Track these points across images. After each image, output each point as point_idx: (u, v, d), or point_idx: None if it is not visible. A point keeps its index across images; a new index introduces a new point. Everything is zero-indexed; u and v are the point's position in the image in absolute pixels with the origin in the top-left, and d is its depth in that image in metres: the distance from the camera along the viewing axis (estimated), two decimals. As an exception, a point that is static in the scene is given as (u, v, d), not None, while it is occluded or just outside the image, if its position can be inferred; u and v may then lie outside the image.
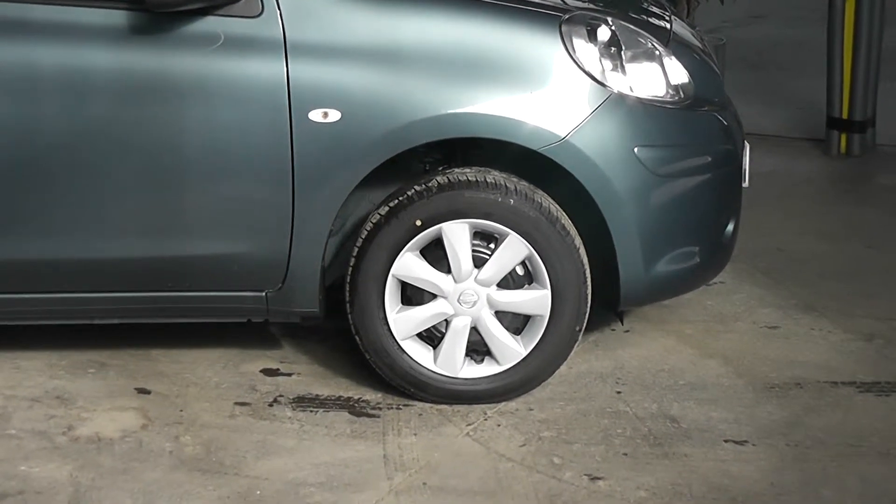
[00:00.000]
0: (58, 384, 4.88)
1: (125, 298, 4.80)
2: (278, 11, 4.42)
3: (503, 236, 4.55)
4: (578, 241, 4.59)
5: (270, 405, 4.74)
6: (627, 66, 4.65)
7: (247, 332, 5.10)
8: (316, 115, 4.44)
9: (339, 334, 4.89)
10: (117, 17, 4.49)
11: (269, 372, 4.98)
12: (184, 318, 4.93)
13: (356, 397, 4.77)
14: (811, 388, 4.79)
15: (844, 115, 7.23)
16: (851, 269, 5.74)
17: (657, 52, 4.74)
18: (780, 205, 5.95)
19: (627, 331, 5.20)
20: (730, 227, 4.97)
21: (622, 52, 4.65)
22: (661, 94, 4.71)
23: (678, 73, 4.76)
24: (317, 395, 4.81)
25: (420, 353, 4.66)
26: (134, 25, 4.47)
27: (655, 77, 4.71)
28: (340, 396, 4.79)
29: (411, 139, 4.50)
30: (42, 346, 5.07)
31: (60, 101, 4.54)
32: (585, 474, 4.24)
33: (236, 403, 4.75)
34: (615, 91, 4.57)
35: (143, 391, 4.84)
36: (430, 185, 4.54)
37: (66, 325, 4.94)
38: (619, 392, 4.78)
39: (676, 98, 4.73)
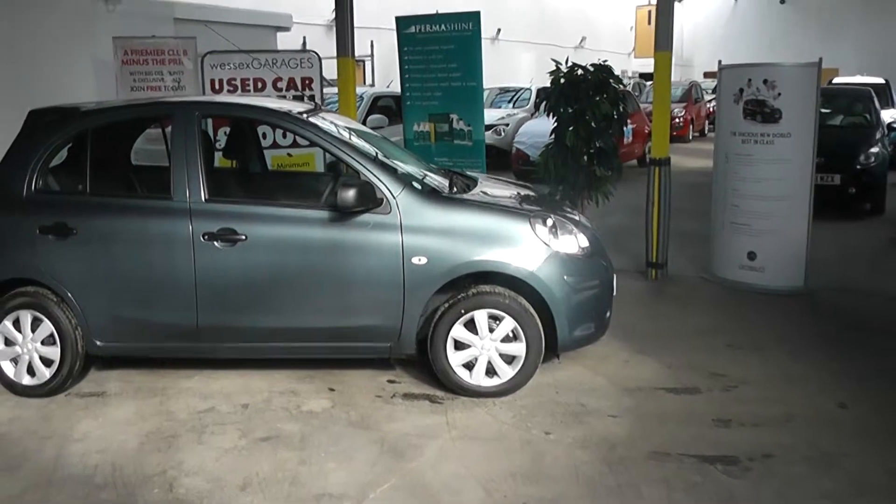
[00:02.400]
0: (292, 385, 4.86)
1: (322, 346, 4.74)
2: (398, 211, 4.49)
3: (502, 318, 4.58)
4: (538, 320, 4.59)
5: (392, 397, 4.68)
6: (560, 237, 4.69)
7: (379, 361, 4.98)
8: (415, 260, 4.49)
9: (423, 364, 4.82)
10: (323, 213, 4.57)
11: (390, 381, 4.90)
12: (350, 356, 4.88)
13: (432, 394, 4.69)
14: (645, 391, 4.74)
15: (654, 259, 7.24)
16: (658, 332, 5.67)
17: (573, 231, 4.80)
18: (627, 303, 5.85)
19: (560, 362, 5.07)
20: (608, 313, 4.93)
21: (557, 231, 4.70)
22: (576, 251, 4.73)
23: (583, 241, 4.81)
24: (413, 393, 4.72)
25: (464, 373, 4.64)
26: (331, 217, 4.54)
27: (572, 243, 4.74)
28: (425, 394, 4.71)
29: (458, 272, 4.54)
30: (284, 367, 5.01)
31: (296, 251, 4.57)
32: (543, 431, 4.25)
33: (376, 396, 4.70)
34: (554, 250, 4.62)
35: (332, 389, 4.80)
36: (468, 293, 4.59)
37: (294, 356, 4.92)
38: (556, 392, 4.71)
39: (583, 253, 4.77)
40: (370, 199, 4.45)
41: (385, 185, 4.53)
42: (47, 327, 4.70)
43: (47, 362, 4.74)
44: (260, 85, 8.09)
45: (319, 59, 8.16)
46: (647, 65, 28.44)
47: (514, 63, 23.82)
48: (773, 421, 4.31)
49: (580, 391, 4.73)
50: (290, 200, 4.92)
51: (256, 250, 4.55)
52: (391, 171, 4.69)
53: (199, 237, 4.55)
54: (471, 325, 4.59)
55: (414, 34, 7.83)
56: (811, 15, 30.16)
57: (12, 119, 4.90)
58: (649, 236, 7.22)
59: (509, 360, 4.63)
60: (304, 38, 8.71)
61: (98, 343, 4.76)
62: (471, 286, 4.61)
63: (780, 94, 6.69)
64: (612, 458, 3.93)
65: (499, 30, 24.05)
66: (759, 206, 6.86)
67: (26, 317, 4.71)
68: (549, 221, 4.70)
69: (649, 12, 32.72)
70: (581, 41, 29.16)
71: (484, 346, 4.60)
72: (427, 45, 7.76)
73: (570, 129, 7.25)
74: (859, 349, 5.39)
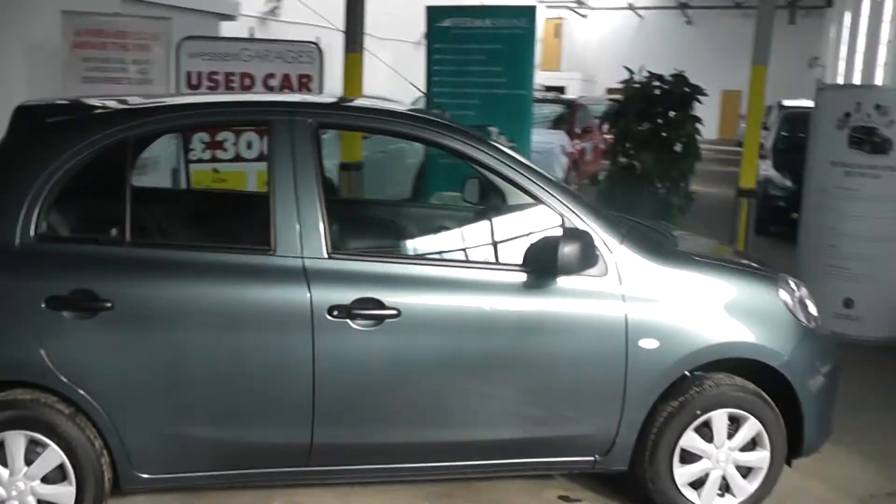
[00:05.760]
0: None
1: (494, 465, 3.44)
2: (618, 273, 3.24)
3: (745, 419, 3.43)
4: (782, 421, 3.46)
5: (574, 523, 3.47)
6: (800, 305, 3.58)
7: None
8: (643, 343, 3.26)
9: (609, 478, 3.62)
10: (517, 275, 3.23)
11: (563, 498, 3.67)
12: (533, 472, 3.58)
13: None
14: (879, 498, 3.83)
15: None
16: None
17: (804, 293, 3.70)
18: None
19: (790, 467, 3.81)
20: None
21: (799, 297, 3.59)
22: (814, 325, 3.61)
23: (813, 308, 3.70)
24: (602, 518, 3.52)
25: (691, 494, 3.46)
26: (526, 282, 3.21)
27: (810, 312, 3.64)
28: (619, 520, 3.52)
29: (702, 359, 3.36)
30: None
31: (475, 334, 3.20)
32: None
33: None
34: (805, 324, 3.51)
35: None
36: (703, 386, 3.39)
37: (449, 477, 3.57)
38: None
39: (817, 325, 3.66)
40: (591, 258, 3.15)
41: (601, 237, 3.25)
42: (54, 455, 3.02)
43: (50, 510, 3.11)
44: (248, 81, 6.50)
45: (321, 52, 6.67)
46: (553, 78, 28.00)
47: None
48: None
49: (816, 500, 3.79)
50: (450, 252, 3.49)
51: (415, 333, 3.15)
52: (605, 217, 3.41)
53: (322, 313, 3.06)
54: (702, 430, 3.43)
55: (449, 28, 6.55)
56: (716, 37, 30.73)
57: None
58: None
59: (744, 473, 3.51)
60: (252, 28, 7.16)
61: (143, 475, 3.12)
62: (703, 377, 3.44)
63: (892, 122, 5.97)
64: None
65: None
66: (860, 247, 6.18)
67: (17, 441, 2.99)
68: (794, 284, 3.60)
69: (556, 25, 32.48)
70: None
71: (719, 457, 3.45)
72: (465, 42, 6.50)
73: (649, 152, 6.22)
74: None
